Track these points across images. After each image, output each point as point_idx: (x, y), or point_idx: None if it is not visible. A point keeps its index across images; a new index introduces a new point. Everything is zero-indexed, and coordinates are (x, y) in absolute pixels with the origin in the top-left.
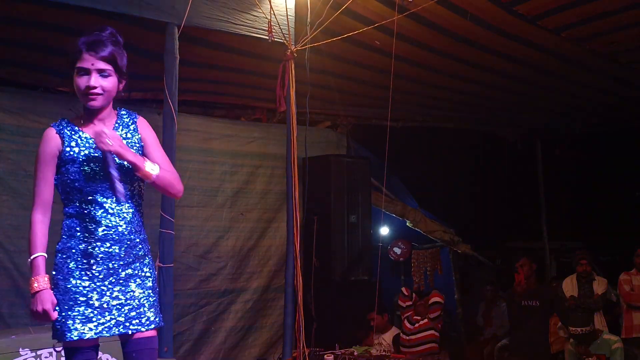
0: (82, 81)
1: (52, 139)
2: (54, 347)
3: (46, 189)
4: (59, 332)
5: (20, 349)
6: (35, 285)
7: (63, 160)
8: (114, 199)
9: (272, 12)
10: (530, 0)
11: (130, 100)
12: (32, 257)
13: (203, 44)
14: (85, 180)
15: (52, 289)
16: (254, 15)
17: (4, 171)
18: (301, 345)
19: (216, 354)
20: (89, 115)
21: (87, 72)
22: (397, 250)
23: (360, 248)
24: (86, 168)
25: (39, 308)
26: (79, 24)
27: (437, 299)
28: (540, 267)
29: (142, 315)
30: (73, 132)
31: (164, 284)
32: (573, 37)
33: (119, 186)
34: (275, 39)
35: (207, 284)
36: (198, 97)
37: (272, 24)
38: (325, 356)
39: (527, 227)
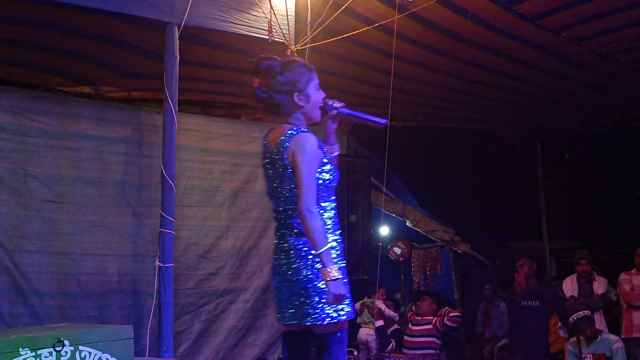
0: (320, 95)
1: (317, 143)
2: (53, 347)
3: (315, 186)
4: (349, 313)
5: (20, 349)
6: (336, 272)
7: (325, 163)
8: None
9: (272, 11)
10: None
11: (131, 99)
12: (326, 247)
13: (203, 43)
14: (336, 181)
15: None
16: (254, 15)
17: (4, 170)
18: None
19: (216, 353)
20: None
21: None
22: (397, 250)
23: (360, 248)
24: (334, 171)
25: (342, 292)
26: (79, 23)
27: (452, 324)
28: (540, 267)
29: None
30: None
31: (164, 284)
32: (573, 37)
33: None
34: (275, 39)
35: (207, 284)
36: (198, 96)
37: (272, 23)
38: None
39: (527, 227)
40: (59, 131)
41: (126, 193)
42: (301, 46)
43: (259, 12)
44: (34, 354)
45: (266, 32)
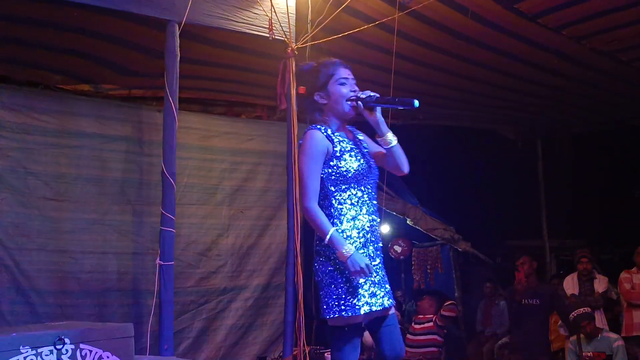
0: (345, 88)
1: (321, 139)
2: (54, 345)
3: (317, 182)
4: (349, 308)
5: (21, 347)
6: (346, 250)
7: (333, 157)
8: (370, 188)
9: (272, 9)
10: None
11: (131, 97)
12: (330, 234)
13: (203, 41)
14: (353, 172)
15: (335, 271)
16: (255, 13)
17: (4, 168)
18: (301, 343)
19: (216, 351)
20: (339, 122)
21: (347, 80)
22: (398, 249)
23: None
24: (353, 162)
25: (362, 265)
26: (79, 21)
27: (449, 314)
28: (541, 266)
29: (389, 293)
30: (333, 134)
31: (165, 282)
32: (574, 35)
33: (398, 101)
34: (276, 37)
35: (207, 282)
36: (198, 94)
37: (272, 21)
38: (325, 354)
39: (527, 225)
40: (59, 129)
41: (126, 191)
42: (302, 44)
43: (260, 9)
44: (34, 352)
45: (267, 30)
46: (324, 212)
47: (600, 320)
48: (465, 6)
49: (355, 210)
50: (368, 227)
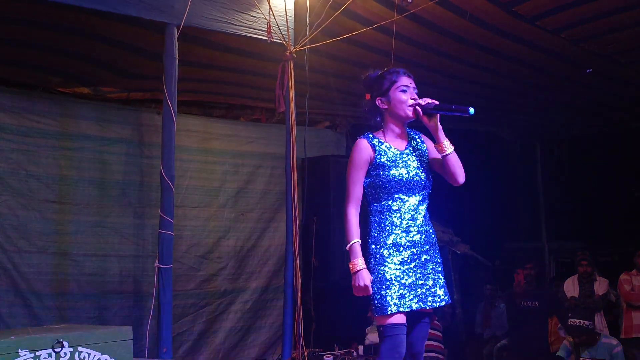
0: (405, 95)
1: (365, 148)
2: (53, 348)
3: (358, 189)
4: (379, 308)
5: (20, 350)
6: (357, 265)
7: (374, 166)
8: (415, 196)
9: (271, 12)
10: (530, 0)
11: (130, 100)
12: (350, 243)
13: (202, 44)
14: (392, 182)
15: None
16: (253, 16)
17: (4, 171)
18: (300, 345)
19: (215, 354)
20: (397, 127)
21: (408, 88)
22: None
23: None
24: (393, 172)
25: (361, 283)
26: (79, 24)
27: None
28: (539, 268)
29: (435, 294)
30: (380, 144)
31: (163, 285)
32: (573, 38)
33: (455, 108)
34: (275, 40)
35: (208, 285)
36: (197, 97)
37: (271, 24)
38: (324, 356)
39: (526, 227)
40: (60, 132)
41: (127, 193)
42: (300, 47)
43: (258, 12)
44: (33, 355)
45: (265, 33)
46: (369, 217)
47: (600, 322)
48: (464, 9)
49: (396, 217)
50: (406, 233)
